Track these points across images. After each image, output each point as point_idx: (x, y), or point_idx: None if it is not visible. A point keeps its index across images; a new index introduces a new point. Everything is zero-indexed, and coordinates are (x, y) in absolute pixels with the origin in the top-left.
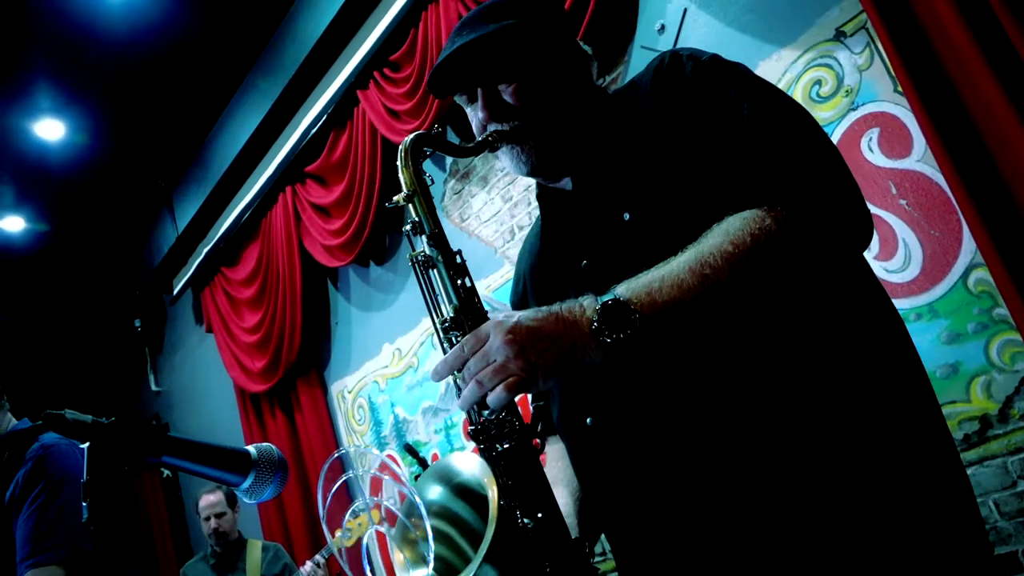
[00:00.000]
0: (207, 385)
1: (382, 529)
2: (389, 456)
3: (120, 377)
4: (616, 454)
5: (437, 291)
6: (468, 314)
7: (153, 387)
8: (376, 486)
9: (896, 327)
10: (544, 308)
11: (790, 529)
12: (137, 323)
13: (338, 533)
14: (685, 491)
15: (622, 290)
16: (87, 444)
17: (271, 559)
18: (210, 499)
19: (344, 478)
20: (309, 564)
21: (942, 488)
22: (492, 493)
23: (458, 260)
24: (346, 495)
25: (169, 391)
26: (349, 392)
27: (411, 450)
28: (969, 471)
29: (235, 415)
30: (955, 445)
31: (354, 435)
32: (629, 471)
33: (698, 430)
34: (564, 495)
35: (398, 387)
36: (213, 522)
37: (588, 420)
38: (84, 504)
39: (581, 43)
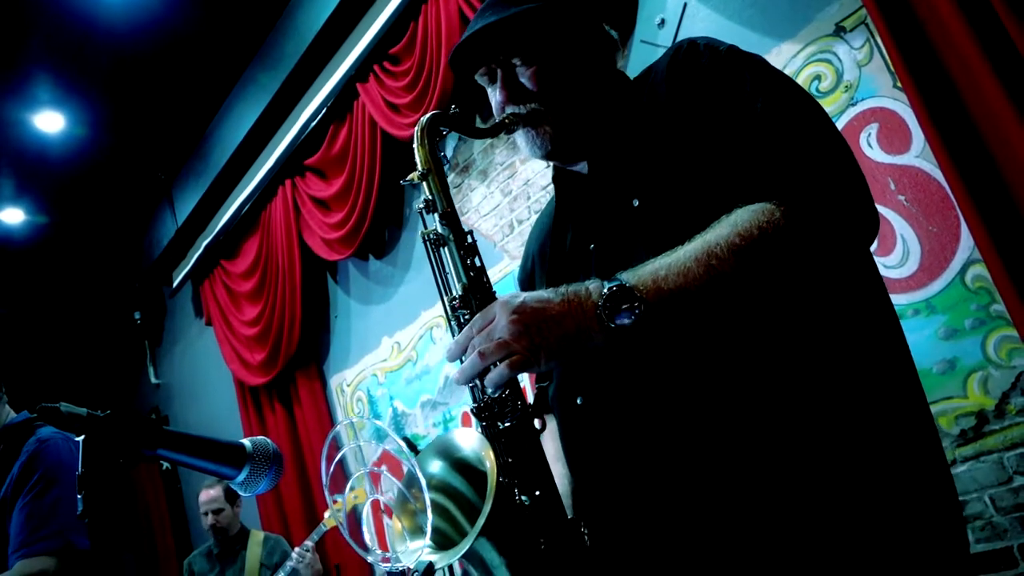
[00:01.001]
0: (206, 378)
1: (380, 497)
2: (386, 452)
3: (120, 369)
4: (602, 434)
5: (447, 269)
6: (477, 293)
7: (153, 379)
8: (379, 461)
9: (891, 324)
10: (550, 290)
11: (767, 516)
12: (137, 315)
13: (333, 509)
14: (667, 475)
15: (628, 276)
16: (82, 437)
17: (270, 550)
18: (209, 494)
19: (344, 450)
20: (297, 550)
21: (924, 486)
22: (491, 466)
23: (469, 240)
24: (344, 474)
25: (168, 384)
26: (348, 385)
27: (409, 443)
28: (965, 467)
29: (234, 408)
30: (940, 443)
31: (353, 428)
32: (613, 451)
33: (685, 415)
34: (562, 475)
35: (397, 380)
36: (211, 518)
37: (579, 399)
38: (79, 496)
39: (608, 28)
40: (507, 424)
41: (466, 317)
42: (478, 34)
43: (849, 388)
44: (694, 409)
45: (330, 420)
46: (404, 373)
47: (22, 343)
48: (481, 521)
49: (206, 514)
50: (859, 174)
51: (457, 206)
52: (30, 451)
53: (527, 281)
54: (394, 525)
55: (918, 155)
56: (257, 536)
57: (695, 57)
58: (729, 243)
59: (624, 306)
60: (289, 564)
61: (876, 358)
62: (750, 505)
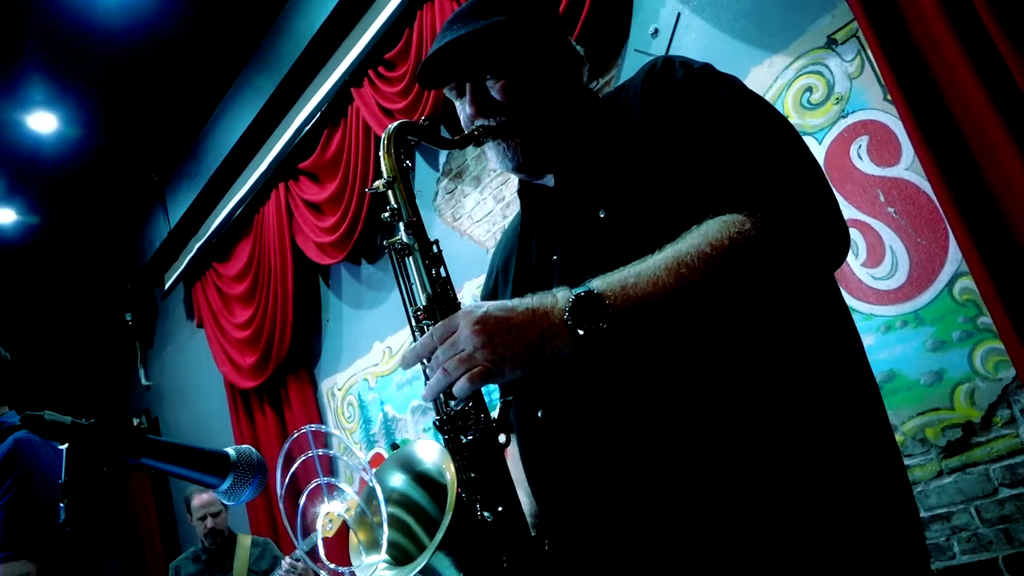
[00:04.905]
0: (197, 380)
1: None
2: (377, 454)
3: (110, 371)
4: (562, 447)
5: (412, 280)
6: (441, 304)
7: (143, 381)
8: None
9: (850, 335)
10: (515, 299)
11: (729, 532)
12: (128, 317)
13: (318, 525)
14: (629, 488)
15: (597, 283)
16: (66, 445)
17: (259, 555)
18: (204, 499)
19: (301, 459)
20: (288, 559)
21: (881, 493)
22: (451, 479)
23: (434, 250)
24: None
25: (159, 386)
26: (339, 389)
27: (397, 449)
28: (951, 478)
29: (225, 411)
30: (899, 450)
31: (343, 432)
32: (575, 464)
33: (646, 428)
34: (526, 495)
35: (388, 385)
36: (210, 521)
37: (539, 413)
38: (61, 505)
39: (574, 43)
40: (470, 438)
41: (430, 327)
42: (446, 48)
43: (810, 401)
44: (655, 421)
45: (320, 424)
46: (395, 378)
47: (13, 344)
48: (439, 536)
49: (204, 518)
50: (829, 191)
51: (450, 211)
52: (5, 452)
53: (490, 297)
54: (352, 539)
55: (907, 168)
56: (245, 540)
57: (670, 74)
58: (700, 252)
59: (592, 313)
60: (279, 573)
61: (836, 371)
62: (712, 519)
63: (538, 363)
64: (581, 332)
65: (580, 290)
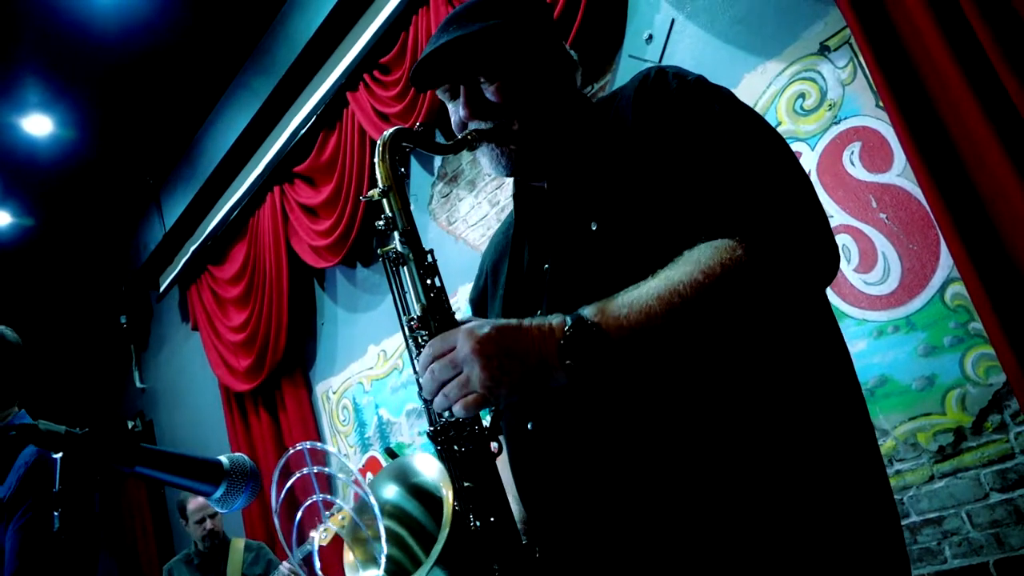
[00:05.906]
0: (192, 383)
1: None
2: (372, 458)
3: (105, 374)
4: (553, 460)
5: (406, 289)
6: (435, 314)
7: (138, 384)
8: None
9: (838, 349)
10: (514, 321)
11: (716, 542)
12: (123, 319)
13: (314, 532)
14: (618, 500)
15: (590, 312)
16: (60, 455)
17: (253, 559)
18: (198, 501)
19: (297, 475)
20: (286, 566)
21: (865, 511)
22: (447, 494)
23: (429, 259)
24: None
25: (154, 388)
26: (334, 393)
27: (392, 453)
28: (942, 483)
29: (220, 414)
30: (884, 466)
31: (338, 436)
32: (565, 477)
33: (636, 441)
34: (514, 499)
35: (383, 389)
36: (209, 523)
37: (529, 425)
38: (55, 514)
39: (568, 48)
40: (463, 448)
41: (424, 338)
42: (441, 50)
43: (797, 418)
44: (643, 435)
45: (315, 427)
46: (390, 381)
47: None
48: (436, 551)
49: (202, 520)
50: (822, 214)
51: (445, 216)
52: (28, 463)
53: (479, 297)
54: (347, 556)
55: (899, 174)
56: (238, 544)
57: (663, 85)
58: (692, 281)
59: (587, 345)
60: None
61: (823, 388)
62: (697, 530)
63: (534, 390)
64: (576, 365)
65: (575, 320)
